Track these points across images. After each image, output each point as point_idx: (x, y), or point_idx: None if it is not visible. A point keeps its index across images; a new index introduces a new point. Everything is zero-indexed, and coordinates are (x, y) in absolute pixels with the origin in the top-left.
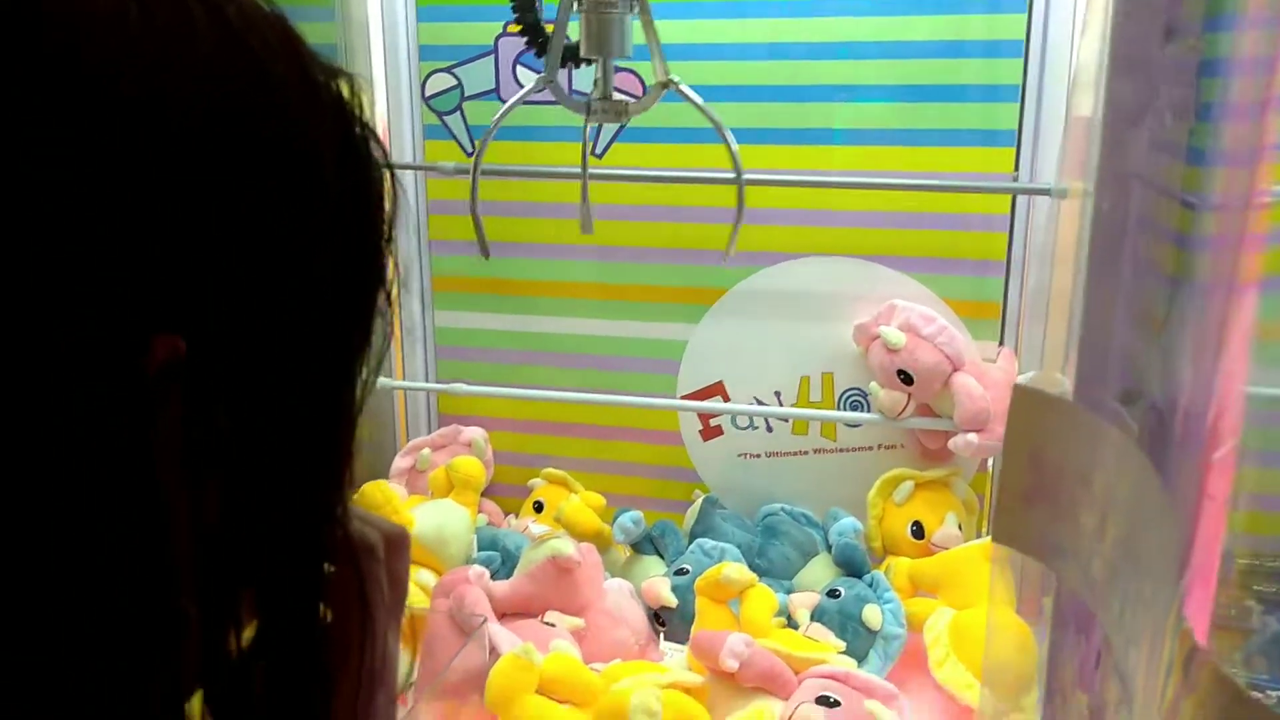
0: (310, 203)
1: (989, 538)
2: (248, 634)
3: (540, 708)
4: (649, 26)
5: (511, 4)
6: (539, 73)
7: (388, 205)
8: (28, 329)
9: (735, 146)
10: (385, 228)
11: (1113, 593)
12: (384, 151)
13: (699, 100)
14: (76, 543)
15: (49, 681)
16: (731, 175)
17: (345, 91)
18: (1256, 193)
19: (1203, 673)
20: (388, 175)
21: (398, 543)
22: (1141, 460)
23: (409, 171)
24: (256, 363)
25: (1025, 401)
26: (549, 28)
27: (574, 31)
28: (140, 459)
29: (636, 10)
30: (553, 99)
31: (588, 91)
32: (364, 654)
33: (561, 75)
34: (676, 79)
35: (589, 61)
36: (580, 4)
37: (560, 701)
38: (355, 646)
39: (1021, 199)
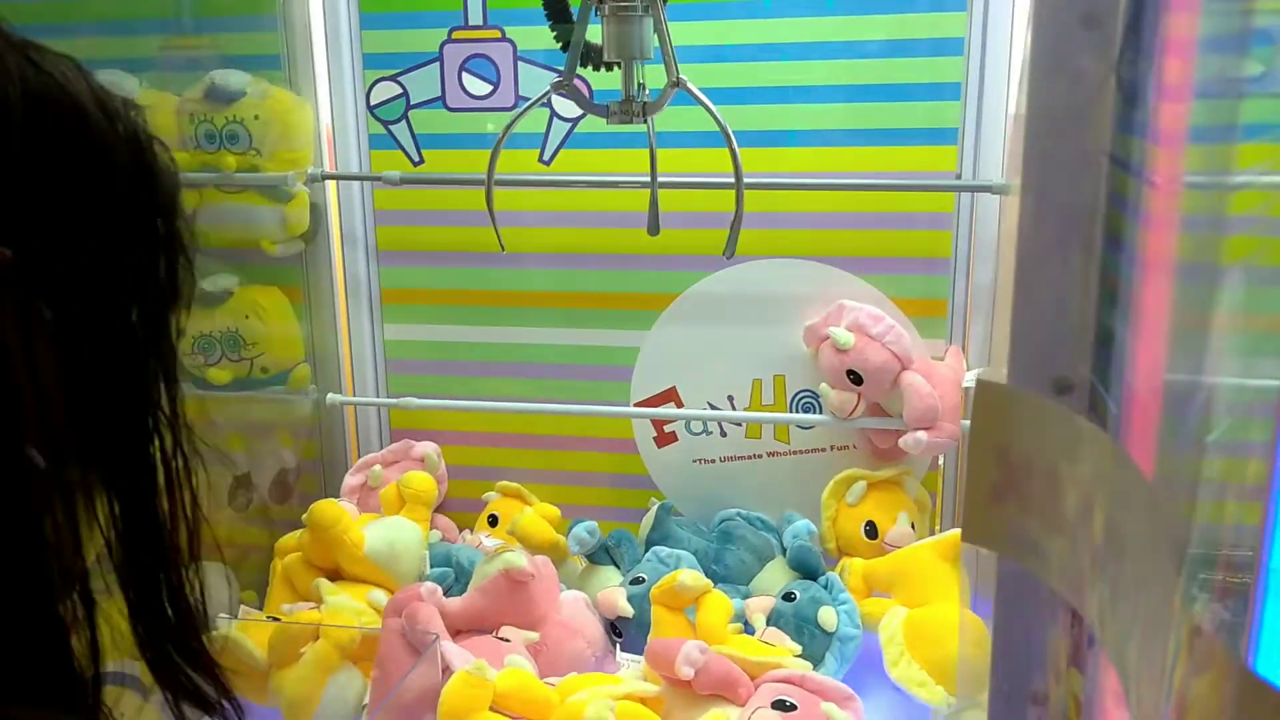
0: (101, 161)
1: (941, 535)
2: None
3: None
4: (661, 26)
5: (545, 8)
6: (486, 79)
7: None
8: None
9: (736, 148)
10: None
11: (1101, 583)
12: (145, 126)
13: (708, 102)
14: None
15: None
16: (689, 179)
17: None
18: (1175, 177)
19: (1210, 656)
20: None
21: None
22: (1116, 449)
23: (355, 183)
24: (70, 271)
25: (989, 397)
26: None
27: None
28: None
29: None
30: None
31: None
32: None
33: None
34: (684, 79)
35: (610, 66)
36: (601, 8)
37: (515, 717)
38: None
39: (965, 197)
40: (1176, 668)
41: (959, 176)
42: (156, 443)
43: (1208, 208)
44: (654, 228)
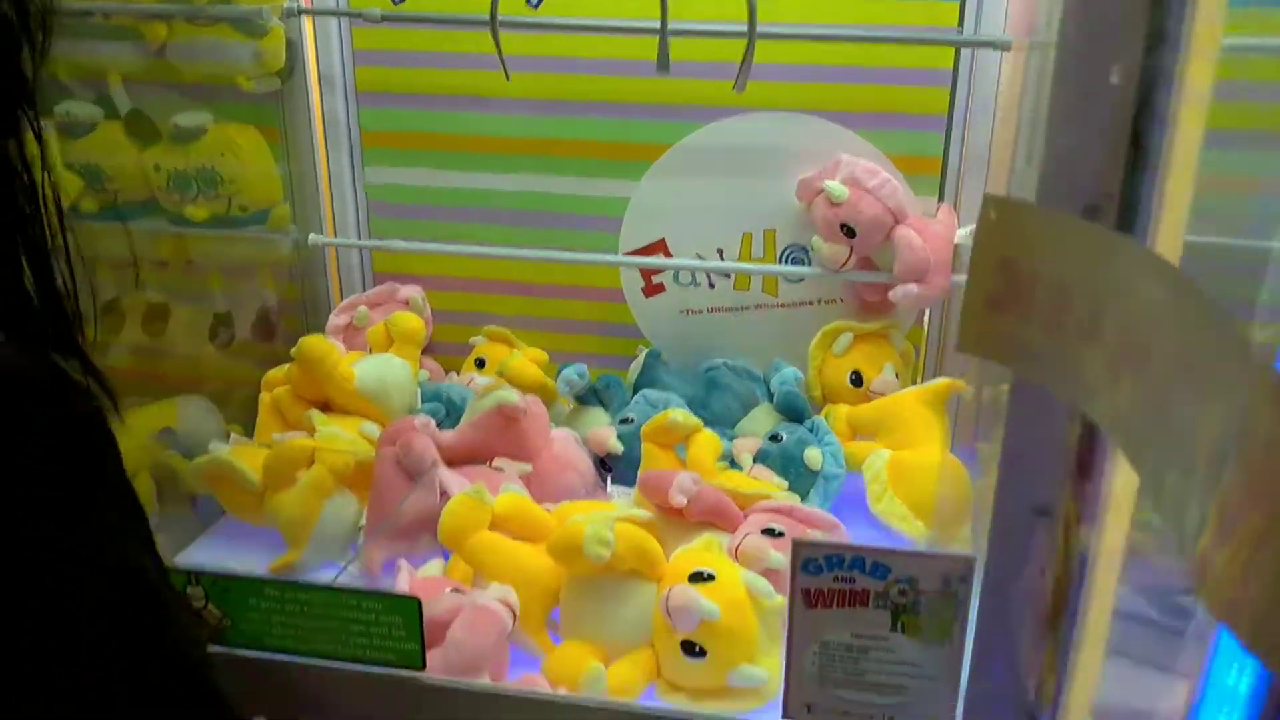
0: None
1: (926, 383)
2: None
3: (493, 543)
4: None
5: None
6: None
7: None
8: None
9: None
10: None
11: (1122, 388)
12: None
13: None
14: None
15: None
16: None
17: None
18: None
19: None
20: None
21: None
22: (1166, 266)
23: (333, 21)
24: None
25: (999, 211)
26: None
27: None
28: None
29: None
30: None
31: None
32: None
33: None
34: None
35: None
36: None
37: (513, 538)
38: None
39: (965, 53)
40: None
41: (960, 31)
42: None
43: None
44: (664, 65)
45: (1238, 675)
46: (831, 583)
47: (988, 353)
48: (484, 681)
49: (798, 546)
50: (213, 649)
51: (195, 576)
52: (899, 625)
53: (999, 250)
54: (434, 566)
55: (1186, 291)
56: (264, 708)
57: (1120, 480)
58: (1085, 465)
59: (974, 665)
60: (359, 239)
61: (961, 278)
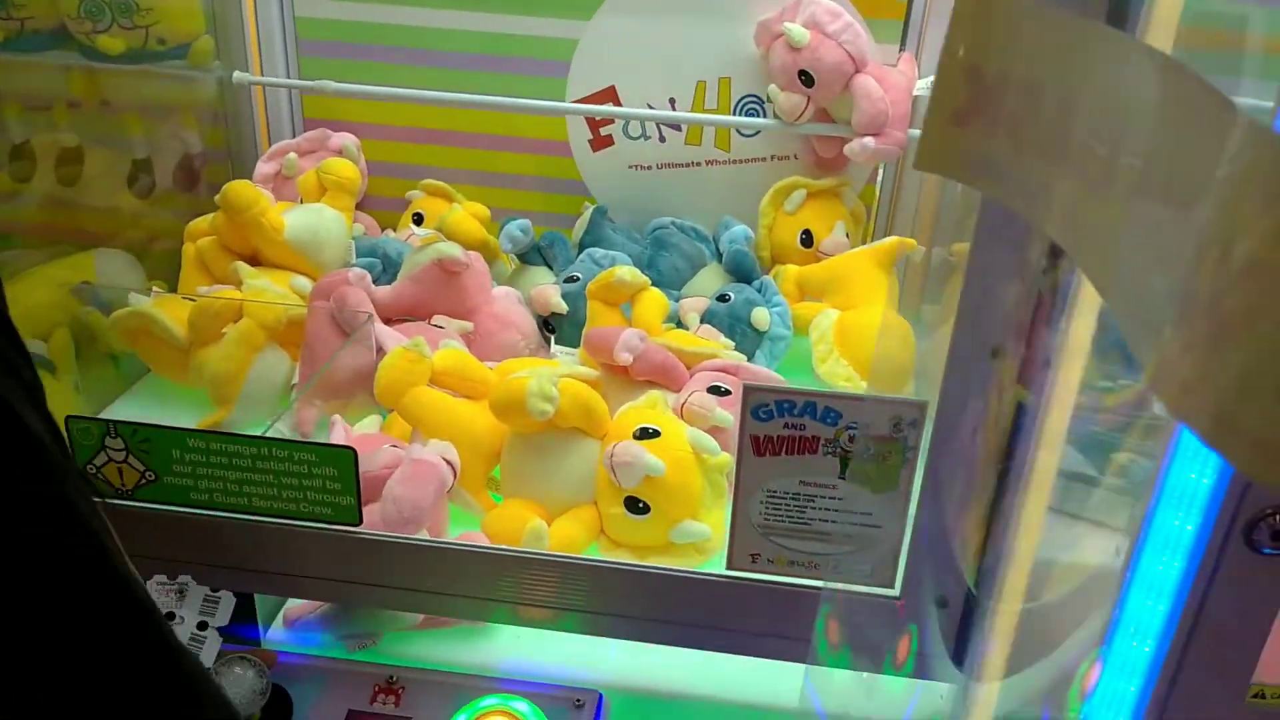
0: None
1: (877, 242)
2: None
3: (433, 399)
4: None
5: None
6: None
7: None
8: None
9: None
10: None
11: (1087, 208)
12: None
13: None
14: None
15: None
16: None
17: None
18: None
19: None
20: None
21: None
22: (1156, 53)
23: None
24: None
25: (968, 7)
26: None
27: None
28: None
29: None
30: None
31: None
32: None
33: None
34: None
35: None
36: None
37: (453, 395)
38: None
39: None
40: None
41: None
42: None
43: None
44: None
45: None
46: (781, 429)
47: (949, 170)
48: (423, 536)
49: (748, 391)
50: (137, 506)
51: (114, 427)
52: (847, 473)
53: (967, 57)
54: (370, 423)
55: (1179, 79)
56: (193, 569)
57: (1077, 329)
58: (1042, 312)
59: (919, 515)
60: (288, 79)
61: (919, 132)
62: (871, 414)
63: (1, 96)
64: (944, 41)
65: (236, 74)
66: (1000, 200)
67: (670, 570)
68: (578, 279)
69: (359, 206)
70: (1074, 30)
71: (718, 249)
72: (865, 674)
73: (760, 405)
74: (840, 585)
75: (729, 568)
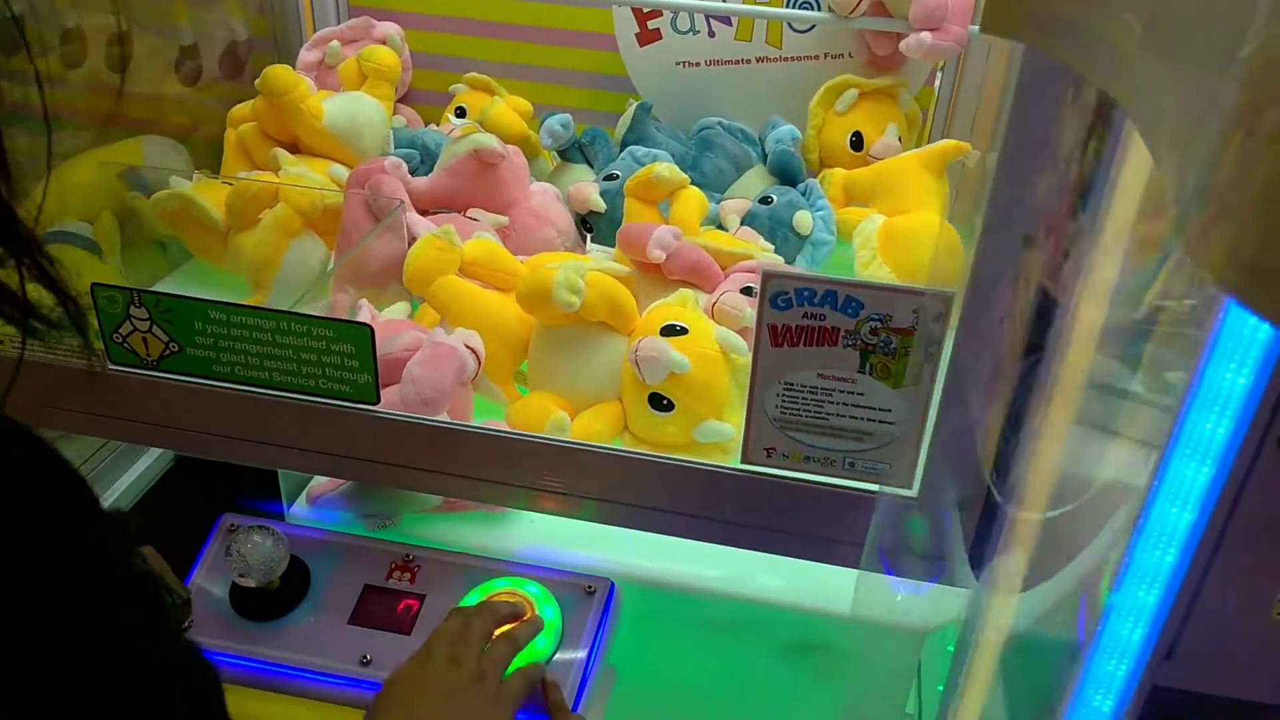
0: None
1: (929, 146)
2: None
3: (461, 288)
4: None
5: None
6: None
7: None
8: None
9: None
10: None
11: (1150, 69)
12: None
13: None
14: None
15: None
16: None
17: None
18: None
19: None
20: None
21: None
22: None
23: None
24: None
25: None
26: None
27: None
28: None
29: None
30: None
31: None
32: None
33: None
34: None
35: None
36: None
37: (483, 286)
38: None
39: None
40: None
41: None
42: None
43: None
44: None
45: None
46: (800, 319)
47: (1016, 31)
48: (445, 420)
49: (767, 278)
50: (162, 376)
51: (138, 296)
52: (868, 366)
53: None
54: (398, 309)
55: None
56: (216, 441)
57: (1114, 218)
58: (1076, 201)
59: (940, 413)
60: None
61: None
62: (895, 305)
63: None
64: None
65: None
66: (1067, 60)
67: (686, 462)
68: (617, 177)
69: (402, 100)
70: None
71: (764, 152)
72: (888, 578)
73: (779, 293)
74: (855, 483)
75: (743, 461)
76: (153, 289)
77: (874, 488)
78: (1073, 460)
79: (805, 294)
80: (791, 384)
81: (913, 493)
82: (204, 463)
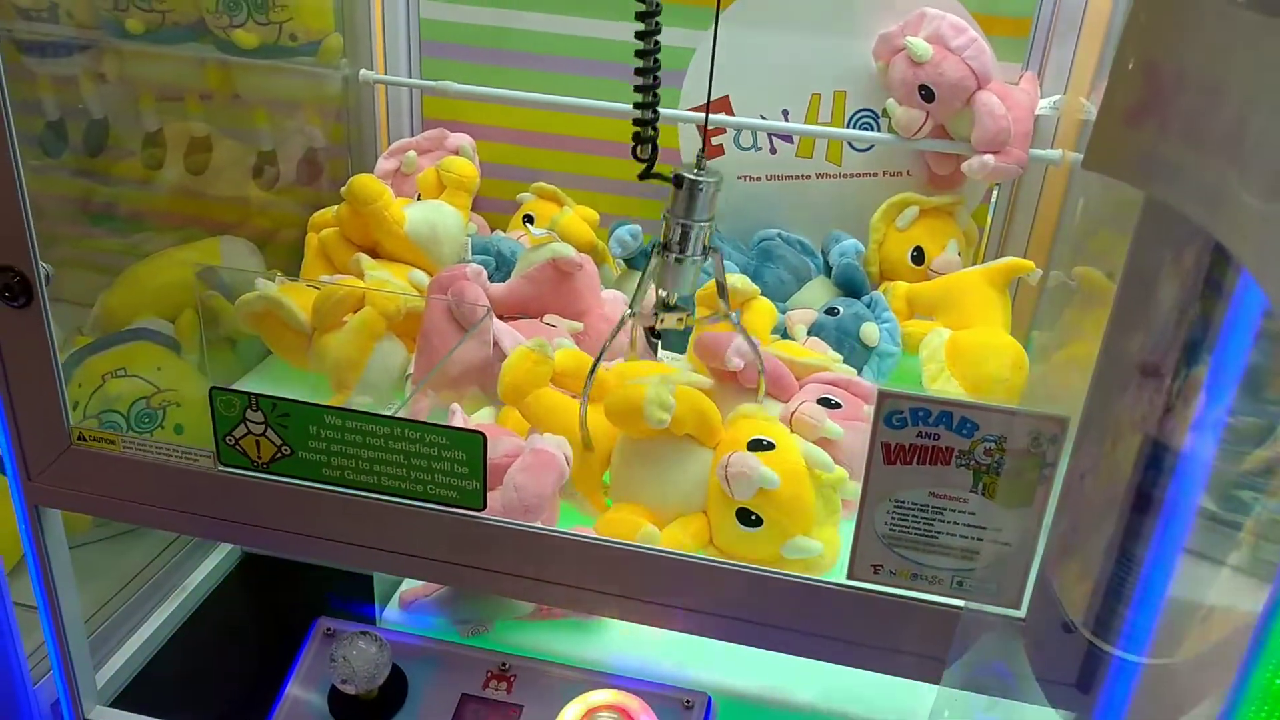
0: None
1: (992, 262)
2: None
3: (554, 400)
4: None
5: None
6: None
7: None
8: None
9: None
10: None
11: (1254, 211)
12: None
13: None
14: None
15: None
16: None
17: None
18: None
19: None
20: None
21: None
22: None
23: None
24: None
25: (1146, 9)
26: None
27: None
28: None
29: None
30: None
31: None
32: None
33: None
34: None
35: None
36: None
37: (572, 395)
38: None
39: None
40: None
41: None
42: None
43: None
44: None
45: None
46: (914, 438)
47: (1118, 171)
48: (547, 528)
49: (883, 396)
50: (270, 479)
51: (255, 400)
52: (980, 486)
53: (1143, 51)
54: (485, 414)
55: None
56: (318, 544)
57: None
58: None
59: (1052, 535)
60: (410, 77)
61: (1040, 152)
62: (1009, 427)
63: (139, 85)
64: (1119, 39)
65: (363, 72)
66: (1171, 203)
67: (788, 576)
68: None
69: (471, 207)
70: (1258, 28)
71: (826, 263)
72: (987, 697)
73: (894, 411)
74: (964, 603)
75: (849, 577)
76: (269, 394)
77: (962, 604)
78: (1183, 598)
79: (920, 414)
80: (902, 502)
81: (1020, 613)
82: (275, 560)
